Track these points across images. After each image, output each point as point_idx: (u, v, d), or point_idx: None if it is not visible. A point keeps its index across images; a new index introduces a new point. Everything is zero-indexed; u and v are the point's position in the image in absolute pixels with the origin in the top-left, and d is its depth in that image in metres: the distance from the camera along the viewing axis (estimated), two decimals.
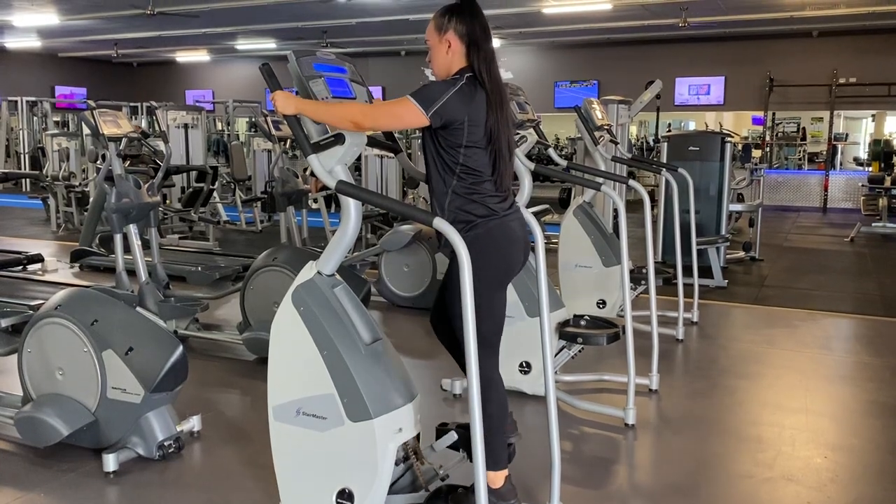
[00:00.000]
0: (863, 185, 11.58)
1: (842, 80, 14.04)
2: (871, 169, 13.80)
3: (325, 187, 2.34)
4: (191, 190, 9.81)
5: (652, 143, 15.96)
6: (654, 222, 6.55)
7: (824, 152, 14.85)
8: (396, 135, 3.46)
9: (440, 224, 2.18)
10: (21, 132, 16.36)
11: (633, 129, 17.48)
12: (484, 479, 2.18)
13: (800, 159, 16.14)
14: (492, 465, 2.51)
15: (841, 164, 15.42)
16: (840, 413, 4.12)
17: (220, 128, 18.08)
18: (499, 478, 2.61)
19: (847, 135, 16.06)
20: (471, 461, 2.24)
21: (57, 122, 18.07)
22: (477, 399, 2.15)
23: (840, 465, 3.40)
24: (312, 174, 2.63)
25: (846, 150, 16.07)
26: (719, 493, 3.15)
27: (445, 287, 2.70)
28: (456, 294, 2.46)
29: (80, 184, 10.63)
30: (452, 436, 2.73)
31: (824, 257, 9.02)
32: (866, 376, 4.67)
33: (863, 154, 16.22)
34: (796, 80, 14.36)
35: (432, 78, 2.62)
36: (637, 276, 5.22)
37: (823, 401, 4.27)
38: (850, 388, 4.50)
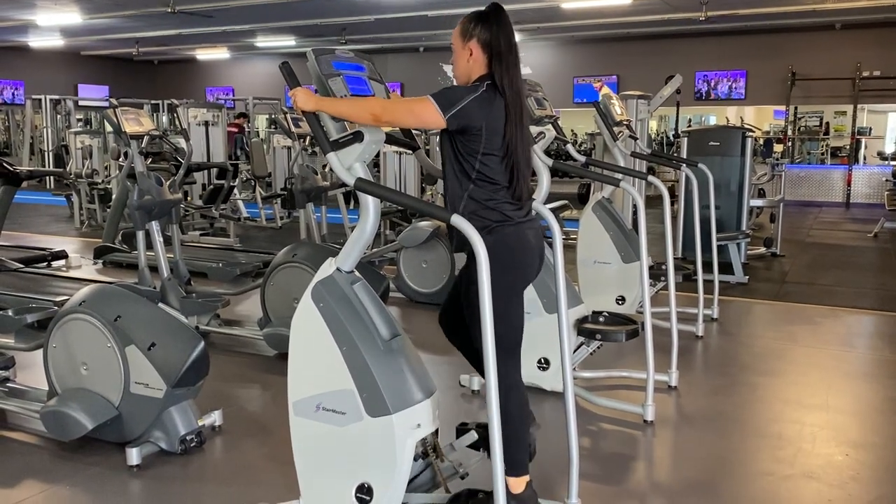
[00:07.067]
0: (887, 180, 11.43)
1: (865, 74, 13.86)
2: (895, 163, 13.61)
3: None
4: (212, 187, 9.90)
5: (672, 138, 15.83)
6: (674, 218, 6.51)
7: (847, 147, 14.67)
8: (415, 132, 3.47)
9: (458, 221, 2.18)
10: (45, 130, 16.58)
11: (653, 124, 17.35)
12: (503, 484, 2.17)
13: (822, 154, 15.94)
14: (511, 470, 2.49)
15: (864, 159, 15.21)
16: (862, 410, 4.08)
17: None
18: (519, 483, 2.58)
19: (871, 129, 15.84)
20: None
21: (80, 120, 18.28)
22: (496, 405, 2.14)
23: (861, 462, 3.38)
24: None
25: (870, 144, 15.85)
26: (739, 491, 3.13)
27: (458, 292, 2.67)
28: (471, 302, 2.46)
29: (102, 181, 10.76)
30: (473, 435, 2.72)
31: (847, 253, 8.92)
32: (889, 373, 4.62)
33: (887, 148, 15.98)
34: (819, 73, 14.19)
35: (450, 75, 2.62)
36: (656, 273, 5.19)
37: (845, 398, 4.23)
38: (873, 385, 4.45)
